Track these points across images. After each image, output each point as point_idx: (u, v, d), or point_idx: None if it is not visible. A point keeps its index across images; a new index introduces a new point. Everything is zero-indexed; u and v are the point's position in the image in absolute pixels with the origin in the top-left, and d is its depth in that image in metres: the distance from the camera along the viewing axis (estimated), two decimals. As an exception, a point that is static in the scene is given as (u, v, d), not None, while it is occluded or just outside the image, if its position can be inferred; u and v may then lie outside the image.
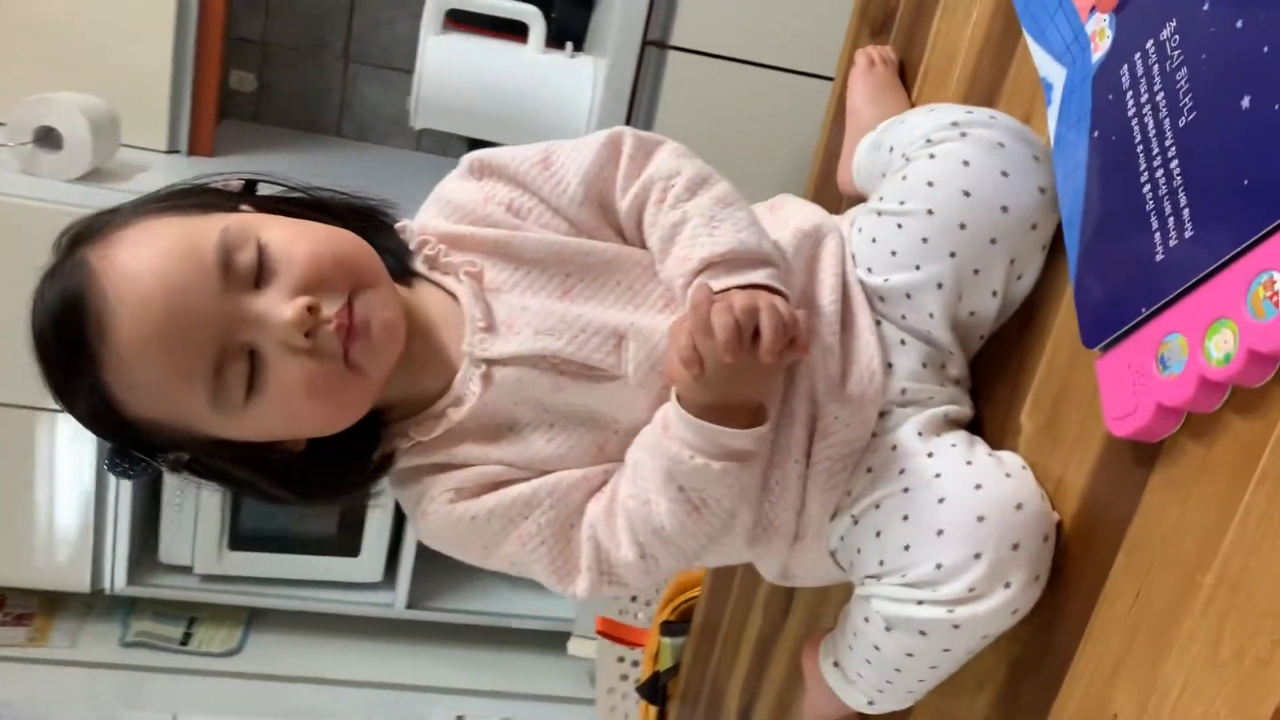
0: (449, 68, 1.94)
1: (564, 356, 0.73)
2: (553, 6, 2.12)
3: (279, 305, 0.67)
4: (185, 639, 2.23)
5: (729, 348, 0.65)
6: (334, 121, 2.63)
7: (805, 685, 0.93)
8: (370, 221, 0.79)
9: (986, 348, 0.82)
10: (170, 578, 2.21)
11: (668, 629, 1.41)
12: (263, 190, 0.78)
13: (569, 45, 2.01)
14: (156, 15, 2.11)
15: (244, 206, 0.74)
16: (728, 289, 0.69)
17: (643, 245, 0.78)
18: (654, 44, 1.88)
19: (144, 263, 0.66)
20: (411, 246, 0.78)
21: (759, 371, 0.68)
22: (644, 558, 0.73)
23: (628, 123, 1.92)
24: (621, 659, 1.69)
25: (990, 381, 0.81)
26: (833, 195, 1.06)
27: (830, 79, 1.16)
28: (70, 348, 0.67)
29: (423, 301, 0.76)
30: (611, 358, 0.74)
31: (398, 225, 0.80)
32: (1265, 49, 0.55)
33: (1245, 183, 0.56)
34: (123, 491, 2.05)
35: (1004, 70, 0.85)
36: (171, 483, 2.17)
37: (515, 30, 1.99)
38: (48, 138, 1.91)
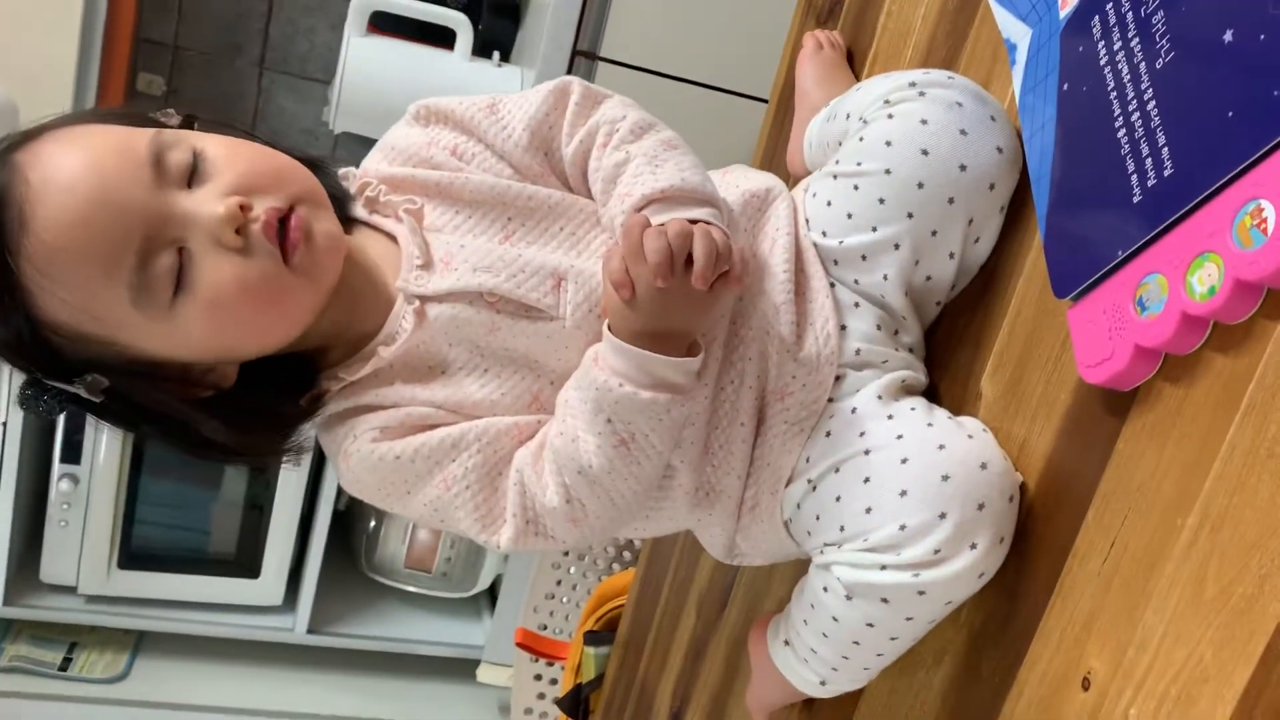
0: (372, 71, 1.90)
1: (501, 294, 0.71)
2: (479, 18, 2.10)
3: (210, 201, 0.65)
4: (65, 664, 2.08)
5: (660, 270, 0.64)
6: (247, 129, 2.55)
7: (751, 671, 0.89)
8: (311, 164, 0.76)
9: (944, 317, 0.80)
10: (52, 598, 2.07)
11: (592, 638, 1.36)
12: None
13: (496, 54, 1.99)
14: (64, 8, 2.03)
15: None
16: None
17: (587, 194, 0.77)
18: (583, 54, 1.86)
19: (73, 154, 0.64)
20: (352, 191, 0.77)
21: (692, 299, 0.67)
22: (569, 501, 0.70)
23: (554, 134, 1.90)
24: (539, 677, 1.63)
25: (948, 350, 0.80)
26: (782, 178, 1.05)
27: (764, 100, 1.15)
28: None
29: (361, 244, 0.75)
30: (549, 298, 0.72)
31: (340, 171, 0.78)
32: (1248, -18, 0.55)
33: (1230, 114, 0.55)
34: (3, 500, 1.92)
35: (961, 40, 0.84)
36: (57, 493, 2.05)
37: (440, 40, 1.96)
38: (-61, 123, 1.80)
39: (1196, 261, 0.56)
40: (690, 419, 0.73)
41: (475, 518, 0.71)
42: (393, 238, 0.74)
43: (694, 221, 0.68)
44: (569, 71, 1.86)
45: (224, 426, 0.70)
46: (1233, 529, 0.54)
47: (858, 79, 1.01)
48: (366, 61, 1.90)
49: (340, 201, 0.75)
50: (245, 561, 2.12)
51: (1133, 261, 0.61)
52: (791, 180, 0.99)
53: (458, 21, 1.92)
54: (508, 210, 0.75)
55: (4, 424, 1.91)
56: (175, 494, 2.06)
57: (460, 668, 2.23)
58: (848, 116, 0.81)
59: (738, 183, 0.82)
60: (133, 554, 2.05)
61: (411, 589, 2.24)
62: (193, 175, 0.65)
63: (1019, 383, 0.72)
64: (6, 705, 1.99)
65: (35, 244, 0.62)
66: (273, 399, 0.72)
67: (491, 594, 2.30)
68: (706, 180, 0.73)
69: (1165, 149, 0.59)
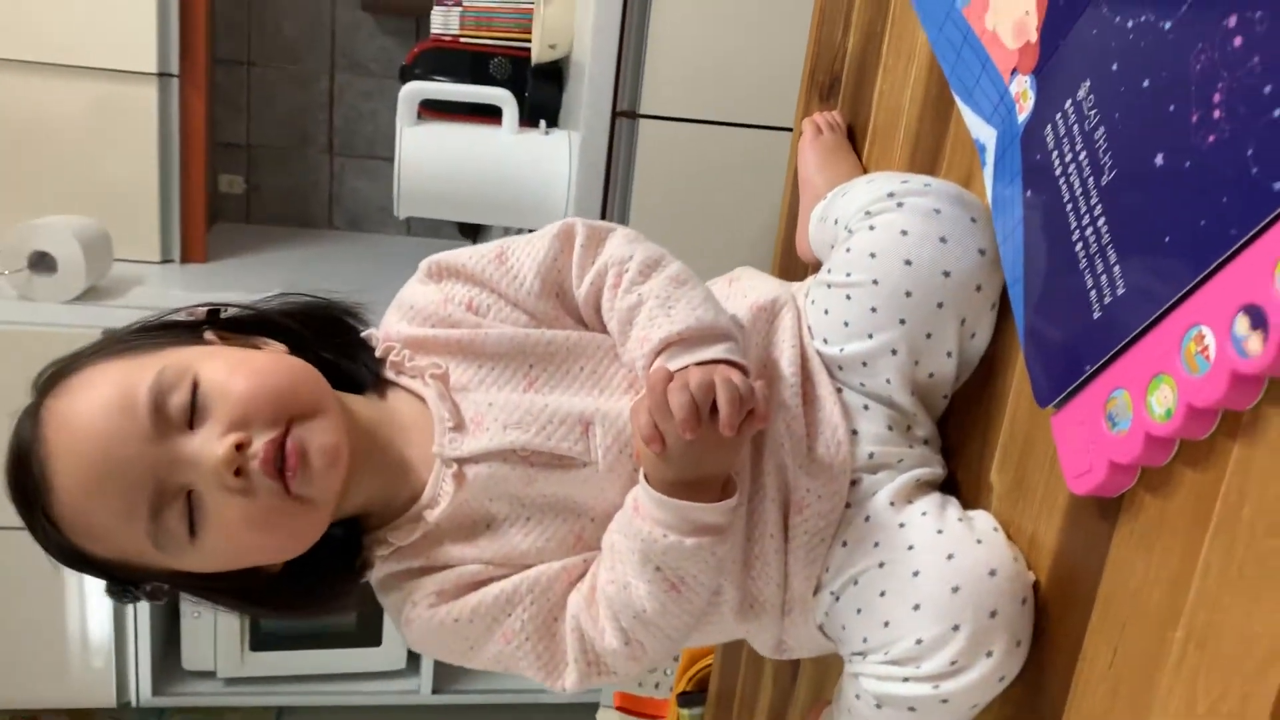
0: (427, 157, 1.97)
1: (533, 448, 0.74)
2: (525, 86, 2.16)
3: (210, 444, 0.68)
4: (215, 745, 2.23)
5: (688, 424, 0.66)
6: (325, 215, 2.67)
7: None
8: (337, 333, 0.81)
9: (953, 406, 0.82)
10: (195, 684, 2.21)
11: (685, 699, 1.40)
12: (229, 313, 0.80)
13: (543, 123, 2.04)
14: (139, 129, 2.16)
15: (207, 333, 0.76)
16: (686, 367, 0.70)
17: (603, 330, 0.79)
18: (624, 114, 1.91)
19: (79, 415, 0.68)
20: (378, 354, 0.79)
21: (721, 445, 0.68)
22: (629, 643, 0.73)
23: (606, 191, 1.95)
24: (645, 731, 1.68)
25: (960, 439, 0.82)
26: (796, 264, 1.07)
27: (790, 130, 1.17)
28: (25, 498, 0.69)
29: (392, 408, 0.77)
30: (579, 445, 0.74)
31: (364, 334, 0.81)
32: (1171, 108, 0.56)
33: (1166, 239, 0.56)
34: (140, 603, 2.05)
35: (944, 129, 0.86)
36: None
37: (491, 111, 2.03)
38: (42, 262, 1.95)
39: (1154, 382, 0.57)
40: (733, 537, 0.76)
41: (538, 666, 0.75)
42: (423, 399, 0.77)
43: (714, 361, 0.70)
44: (612, 132, 1.91)
45: (280, 606, 0.76)
46: (1215, 646, 0.55)
47: (859, 154, 1.02)
48: (420, 149, 1.97)
49: (368, 366, 0.79)
50: (366, 632, 2.23)
51: (1101, 375, 0.62)
52: (808, 268, 1.02)
53: (503, 99, 1.98)
54: (529, 358, 0.77)
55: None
56: (294, 577, 2.17)
57: (580, 712, 2.29)
58: (836, 222, 0.83)
59: (746, 293, 0.84)
60: (262, 637, 2.17)
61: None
62: (193, 413, 0.68)
63: (1023, 478, 0.73)
64: (166, 789, 2.14)
65: (60, 507, 0.68)
66: (323, 574, 0.76)
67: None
68: (719, 313, 0.75)
69: (1117, 267, 0.60)
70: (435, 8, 2.15)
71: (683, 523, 0.69)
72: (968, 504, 0.78)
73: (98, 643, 2.09)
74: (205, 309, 0.78)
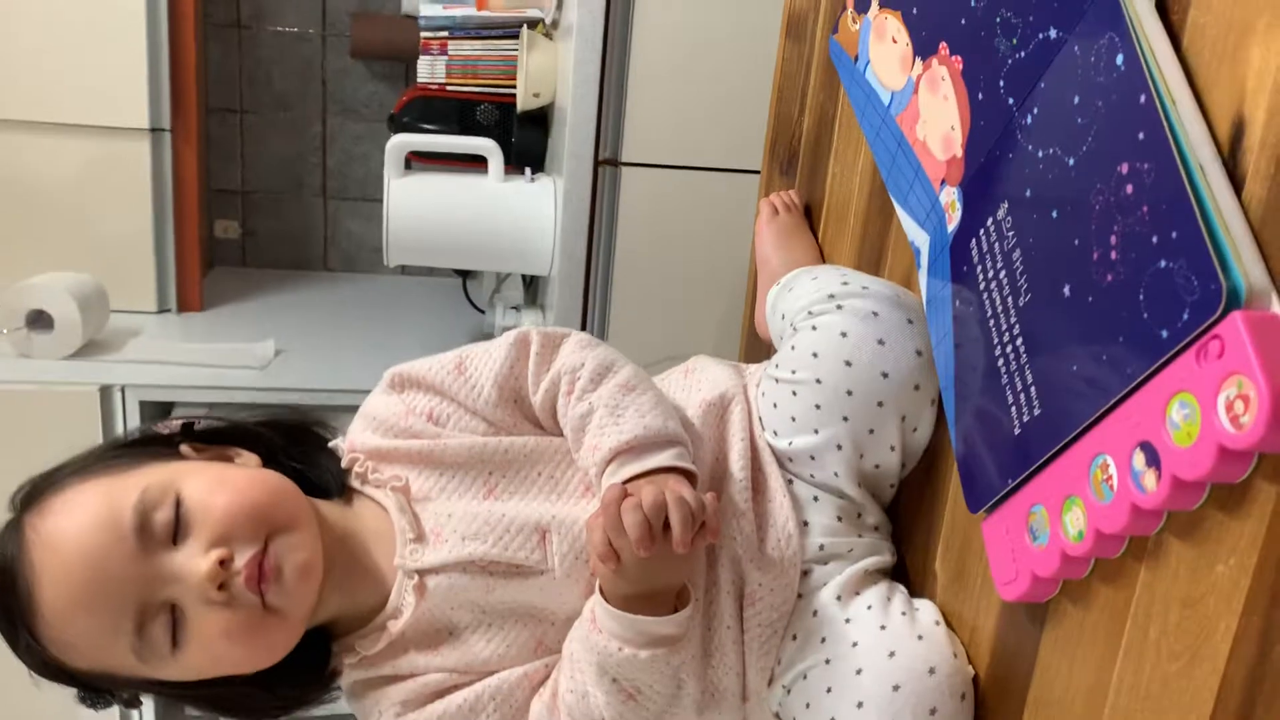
0: (414, 207, 2.00)
1: (490, 559, 0.76)
2: (512, 131, 2.19)
3: (194, 560, 0.70)
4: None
5: (642, 543, 0.68)
6: (320, 257, 2.71)
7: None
8: (306, 442, 0.84)
9: (901, 494, 0.84)
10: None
11: None
12: (203, 425, 0.83)
13: (528, 171, 2.08)
14: (133, 183, 2.19)
15: (183, 446, 0.78)
16: (637, 476, 0.73)
17: (560, 433, 0.81)
18: (606, 162, 1.94)
19: (65, 534, 0.70)
20: (344, 464, 0.82)
21: (674, 560, 0.71)
22: None
23: (590, 236, 1.98)
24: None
25: (908, 526, 0.84)
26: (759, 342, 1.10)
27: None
28: (9, 617, 0.72)
29: (358, 516, 0.80)
30: (536, 554, 0.77)
31: (331, 444, 0.84)
32: (1076, 242, 0.59)
33: (1074, 368, 0.59)
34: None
35: (889, 222, 0.88)
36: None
37: (478, 157, 2.06)
38: (39, 320, 1.98)
39: (1068, 503, 0.60)
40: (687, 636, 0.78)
41: None
42: (385, 508, 0.80)
43: (662, 469, 0.73)
44: (595, 179, 1.94)
45: (251, 711, 0.79)
46: (1128, 761, 0.57)
47: (815, 232, 1.05)
48: (408, 199, 2.00)
49: (334, 475, 0.82)
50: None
51: (1023, 490, 0.64)
52: (769, 347, 1.04)
53: (488, 149, 2.01)
54: (488, 465, 0.80)
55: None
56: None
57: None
58: (783, 316, 0.86)
59: (698, 387, 0.86)
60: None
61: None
62: (177, 530, 0.71)
63: (963, 571, 0.76)
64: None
65: (45, 626, 0.71)
66: (293, 681, 0.78)
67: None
68: (667, 418, 0.77)
69: (1033, 388, 0.63)
70: (421, 56, 2.18)
71: (637, 635, 0.72)
72: (915, 591, 0.80)
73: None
74: (180, 422, 0.82)
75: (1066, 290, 0.59)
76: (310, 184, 2.64)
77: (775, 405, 0.82)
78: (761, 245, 1.05)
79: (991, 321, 0.67)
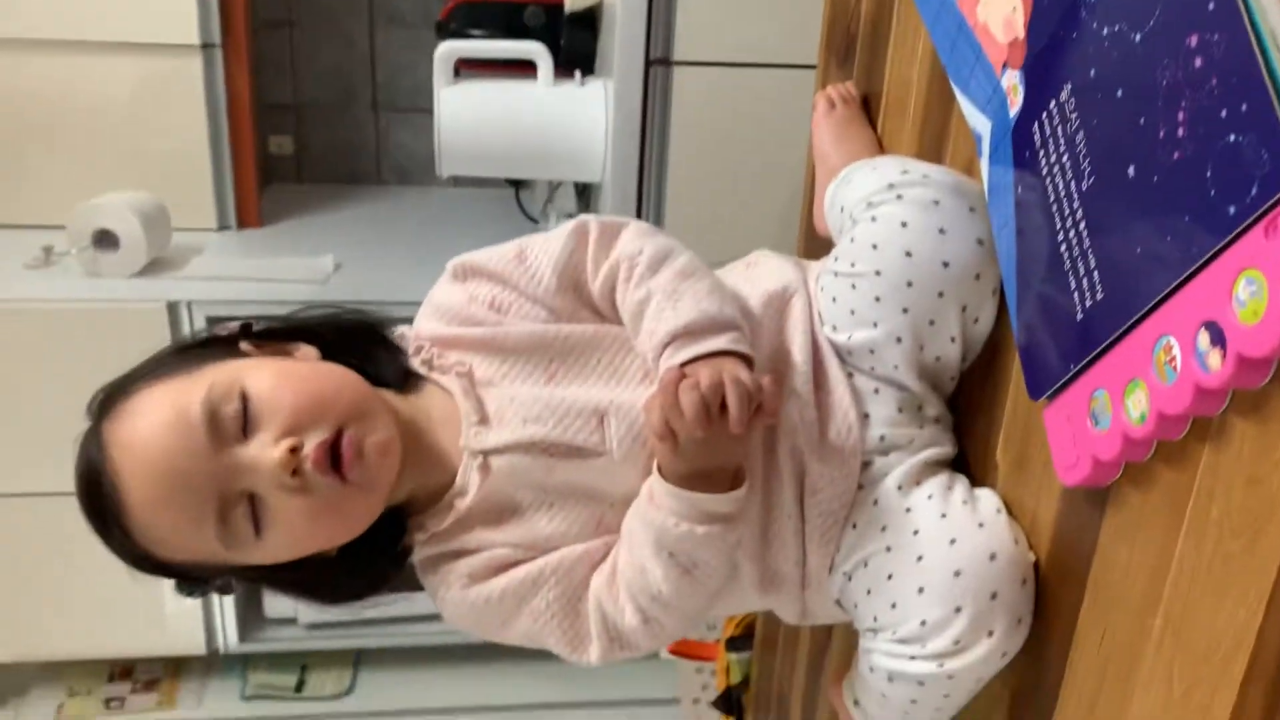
0: (465, 116, 1.99)
1: (551, 441, 0.79)
2: (560, 34, 2.16)
3: (266, 450, 0.73)
4: (299, 686, 2.35)
5: (698, 423, 0.70)
6: (374, 170, 2.72)
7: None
8: (364, 335, 0.86)
9: (962, 385, 0.84)
10: (278, 630, 2.33)
11: (732, 644, 1.46)
12: (261, 326, 0.85)
13: (578, 74, 2.05)
14: (187, 100, 2.20)
15: (243, 344, 0.81)
16: (695, 359, 0.74)
17: (619, 322, 0.83)
18: (658, 62, 1.91)
19: (140, 435, 0.73)
20: (409, 352, 0.85)
21: (730, 440, 0.72)
22: (647, 622, 0.78)
23: (643, 140, 1.96)
24: (699, 670, 1.74)
25: (969, 417, 0.84)
26: (818, 239, 1.09)
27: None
28: (97, 514, 0.75)
29: (425, 403, 0.83)
30: (595, 436, 0.79)
31: (396, 333, 0.87)
32: (1141, 120, 0.57)
33: (1138, 250, 0.58)
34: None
35: (950, 110, 0.87)
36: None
37: (528, 63, 2.04)
38: (104, 239, 2.02)
39: (1130, 386, 0.59)
40: (744, 520, 0.80)
41: (564, 642, 0.81)
42: (452, 394, 0.82)
43: (719, 352, 0.74)
44: (646, 80, 1.91)
45: (334, 590, 0.82)
46: (1188, 637, 0.58)
47: (874, 124, 1.03)
48: (458, 108, 1.99)
49: (400, 365, 0.84)
50: (437, 575, 2.32)
51: (1085, 374, 0.64)
52: (824, 241, 1.03)
53: (536, 52, 1.99)
54: (549, 353, 0.82)
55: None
56: (363, 528, 2.27)
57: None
58: (842, 210, 0.85)
59: (758, 281, 0.87)
60: (339, 584, 2.27)
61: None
62: (246, 422, 0.73)
63: (1025, 458, 0.76)
64: (258, 728, 2.28)
65: (133, 522, 0.74)
66: (371, 559, 0.82)
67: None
68: (724, 304, 0.78)
69: (1096, 272, 0.62)
70: (467, -39, 2.15)
71: (694, 512, 0.74)
72: (976, 482, 0.81)
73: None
74: (239, 324, 0.84)
75: (1131, 171, 0.58)
76: (361, 96, 2.64)
77: (834, 299, 0.82)
78: (819, 140, 1.04)
79: (1054, 206, 0.66)
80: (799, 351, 0.82)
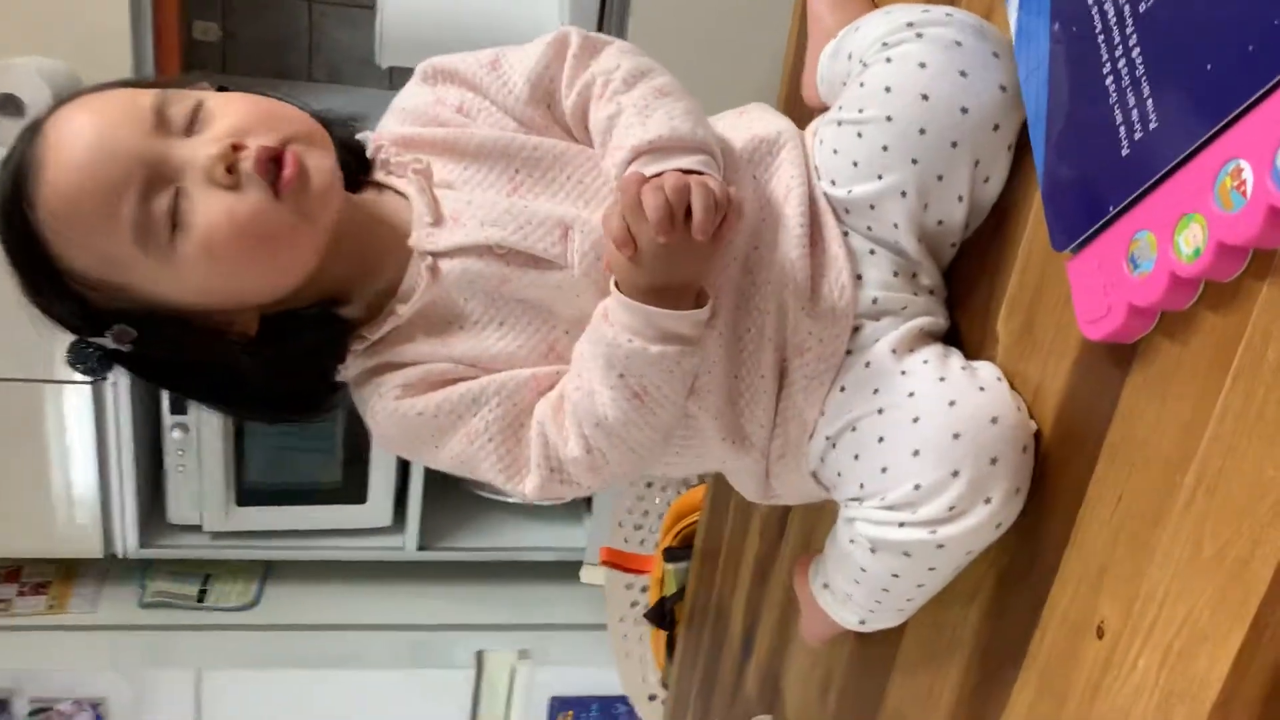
0: (409, 1, 1.89)
1: (509, 246, 0.74)
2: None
3: (205, 144, 0.68)
4: (201, 595, 2.25)
5: (661, 227, 0.65)
6: (304, 66, 2.58)
7: (799, 606, 0.93)
8: (326, 124, 0.79)
9: (960, 256, 0.80)
10: (181, 537, 2.23)
11: (670, 555, 1.41)
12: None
13: (532, -32, 1.96)
14: (109, -31, 2.05)
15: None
16: (660, 174, 0.69)
17: (590, 144, 0.78)
18: (617, -40, 1.82)
19: (85, 113, 0.69)
20: (368, 153, 0.79)
21: (694, 251, 0.68)
22: (590, 452, 0.73)
23: (600, 17, 1.87)
24: (629, 586, 1.70)
25: (966, 290, 0.80)
26: (803, 112, 1.03)
27: None
28: (11, 198, 0.69)
29: (377, 203, 0.77)
30: (557, 248, 0.74)
31: (359, 135, 0.81)
32: (1222, -78, 0.52)
33: (1208, 67, 0.53)
34: (125, 455, 2.05)
35: (964, -37, 0.81)
36: (171, 442, 2.16)
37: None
38: (8, 104, 1.87)
39: (1183, 221, 0.55)
40: (706, 367, 0.75)
41: (500, 468, 0.75)
42: (406, 196, 0.76)
43: (687, 172, 0.69)
44: (605, -21, 1.82)
45: (257, 378, 0.75)
46: (1226, 491, 0.54)
47: (873, -3, 0.97)
48: (402, -9, 1.89)
49: (359, 160, 0.78)
50: (352, 489, 2.24)
51: (1125, 217, 0.59)
52: (814, 118, 0.98)
53: (489, -59, 1.89)
54: (514, 162, 0.77)
55: (114, 384, 2.03)
56: (278, 433, 2.17)
57: (564, 570, 2.33)
58: (849, 57, 0.79)
59: (750, 125, 0.82)
60: (248, 491, 2.18)
61: (512, 500, 2.33)
62: (192, 124, 0.69)
63: (1031, 327, 0.72)
64: (153, 637, 2.17)
65: (47, 191, 0.67)
66: (301, 352, 0.75)
67: (588, 497, 2.39)
68: (697, 126, 0.73)
69: (1150, 100, 0.57)
70: None
71: (649, 328, 0.69)
72: (971, 355, 0.76)
73: (83, 495, 2.09)
74: (215, 86, 0.77)
75: (1205, -19, 0.53)
76: (294, -16, 2.50)
77: (836, 151, 0.77)
78: (814, 4, 0.97)
79: (1101, 37, 0.61)
80: (795, 204, 0.77)
